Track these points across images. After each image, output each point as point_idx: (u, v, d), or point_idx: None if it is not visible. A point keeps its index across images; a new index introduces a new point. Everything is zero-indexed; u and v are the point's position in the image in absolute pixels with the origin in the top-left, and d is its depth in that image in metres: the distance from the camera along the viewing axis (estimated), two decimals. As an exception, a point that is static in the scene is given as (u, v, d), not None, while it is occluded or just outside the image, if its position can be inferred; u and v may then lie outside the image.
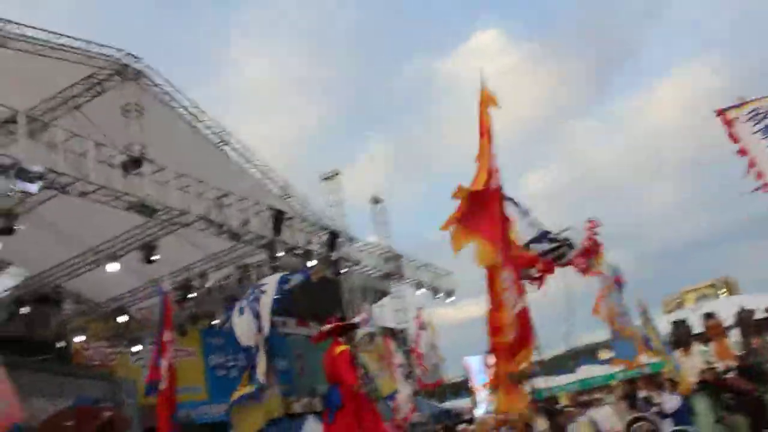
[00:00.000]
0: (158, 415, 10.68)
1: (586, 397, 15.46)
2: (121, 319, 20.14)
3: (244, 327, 11.04)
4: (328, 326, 7.49)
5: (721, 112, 7.14)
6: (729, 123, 7.23)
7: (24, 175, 11.28)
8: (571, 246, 8.38)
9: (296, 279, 11.66)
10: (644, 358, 13.31)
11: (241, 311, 10.91)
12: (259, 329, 10.82)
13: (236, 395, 11.10)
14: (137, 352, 22.28)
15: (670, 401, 10.95)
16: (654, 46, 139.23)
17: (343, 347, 7.11)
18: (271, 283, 11.37)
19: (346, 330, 7.44)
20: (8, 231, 12.67)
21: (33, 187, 11.88)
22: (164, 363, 10.20)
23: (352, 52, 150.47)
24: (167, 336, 10.81)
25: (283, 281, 10.58)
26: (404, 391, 14.07)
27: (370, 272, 20.99)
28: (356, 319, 8.14)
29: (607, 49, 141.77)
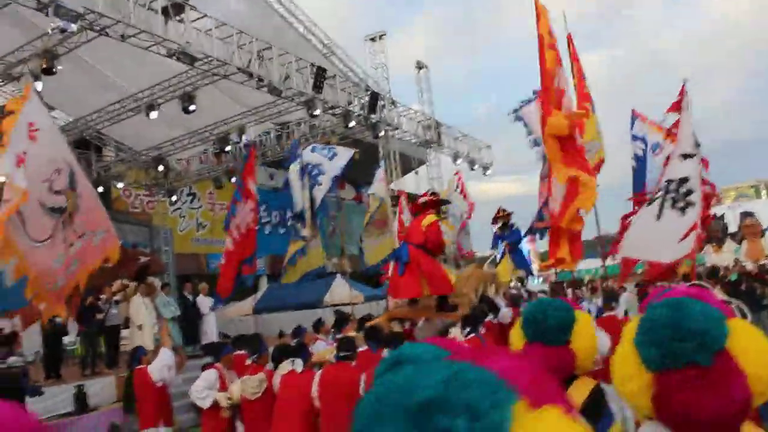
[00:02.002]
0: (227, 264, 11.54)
1: (610, 282, 15.53)
2: (160, 168, 20.37)
3: (297, 188, 11.49)
4: (424, 199, 8.62)
5: None
6: None
7: (62, 12, 11.02)
8: None
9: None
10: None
11: (302, 173, 11.37)
12: (312, 197, 11.33)
13: (289, 254, 11.78)
14: (174, 202, 22.76)
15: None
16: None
17: (433, 217, 8.25)
18: (342, 156, 11.83)
19: (438, 204, 8.75)
20: (49, 71, 12.59)
21: (72, 26, 11.66)
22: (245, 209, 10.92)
23: None
24: (251, 185, 11.52)
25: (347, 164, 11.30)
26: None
27: (409, 138, 20.72)
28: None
29: None
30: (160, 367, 7.04)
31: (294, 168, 12.67)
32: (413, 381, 0.78)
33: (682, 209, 8.07)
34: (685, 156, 8.19)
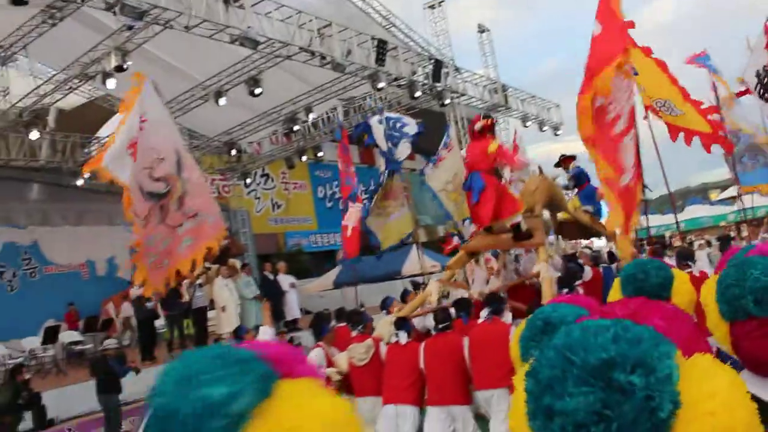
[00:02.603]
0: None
1: (692, 237, 15.11)
2: (233, 152, 20.85)
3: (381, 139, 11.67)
4: (480, 123, 8.56)
5: None
6: None
7: (128, 10, 11.38)
8: None
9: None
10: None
11: (389, 137, 11.51)
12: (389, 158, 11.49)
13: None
14: (249, 184, 23.28)
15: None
16: None
17: (497, 142, 8.55)
18: (411, 125, 11.88)
19: (494, 126, 8.90)
20: (120, 68, 13.03)
21: (138, 23, 12.04)
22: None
23: None
24: (348, 169, 12.28)
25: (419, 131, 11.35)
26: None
27: (476, 104, 20.51)
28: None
29: None
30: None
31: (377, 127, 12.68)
32: (587, 342, 0.88)
33: None
34: None
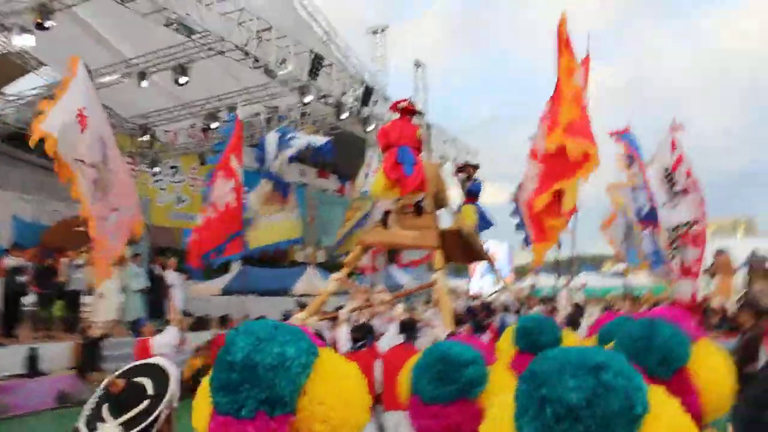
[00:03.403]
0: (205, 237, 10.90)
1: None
2: (146, 137, 20.12)
3: (272, 150, 11.23)
4: (403, 103, 9.45)
5: None
6: None
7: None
8: None
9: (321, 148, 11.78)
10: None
11: (280, 142, 11.11)
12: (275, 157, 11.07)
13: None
14: (157, 174, 22.49)
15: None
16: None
17: (420, 132, 9.44)
18: (309, 139, 11.57)
19: (415, 113, 9.65)
20: (41, 26, 12.35)
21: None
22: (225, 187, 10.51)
23: None
24: (234, 162, 10.96)
25: (325, 149, 11.11)
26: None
27: (399, 137, 20.59)
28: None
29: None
30: (164, 343, 7.35)
31: (273, 135, 12.31)
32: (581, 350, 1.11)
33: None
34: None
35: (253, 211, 11.88)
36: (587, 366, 1.03)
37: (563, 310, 10.67)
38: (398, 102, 9.72)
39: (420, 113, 10.20)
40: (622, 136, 12.55)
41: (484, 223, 12.53)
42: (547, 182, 8.50)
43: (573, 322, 9.06)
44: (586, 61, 9.23)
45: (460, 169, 12.81)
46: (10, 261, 11.95)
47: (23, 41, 13.18)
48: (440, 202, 10.52)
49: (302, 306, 12.00)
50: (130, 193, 8.64)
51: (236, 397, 1.28)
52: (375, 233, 9.83)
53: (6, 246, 14.03)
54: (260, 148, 11.59)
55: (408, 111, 9.51)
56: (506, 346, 2.94)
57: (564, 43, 8.86)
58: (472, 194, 12.49)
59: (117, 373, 1.61)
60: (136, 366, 1.66)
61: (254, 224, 11.91)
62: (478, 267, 25.68)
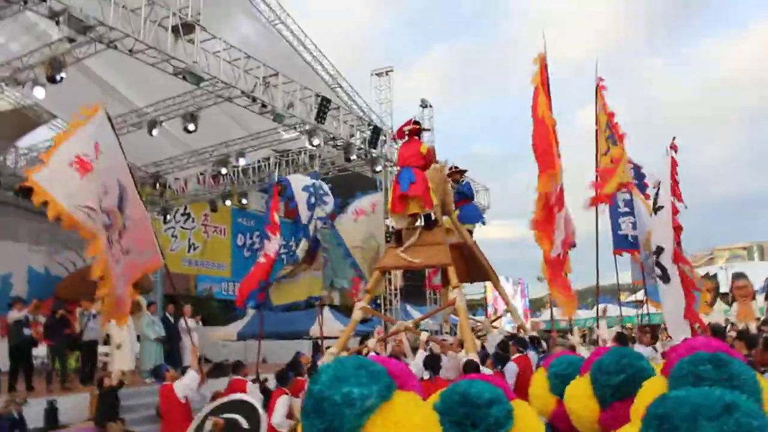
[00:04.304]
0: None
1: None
2: (157, 186, 20.26)
3: (305, 208, 11.68)
4: (408, 127, 9.90)
5: None
6: None
7: (74, 22, 11.04)
8: None
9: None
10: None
11: (310, 202, 11.56)
12: (310, 220, 11.45)
13: (278, 275, 11.85)
14: (168, 221, 22.59)
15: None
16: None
17: (427, 145, 9.92)
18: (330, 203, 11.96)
19: (421, 131, 10.12)
20: (53, 80, 12.55)
21: (81, 37, 11.68)
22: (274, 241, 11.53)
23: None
24: (276, 218, 11.92)
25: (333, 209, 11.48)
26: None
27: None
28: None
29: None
30: (185, 385, 7.64)
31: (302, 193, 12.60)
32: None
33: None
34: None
35: (288, 270, 12.24)
36: (719, 407, 1.08)
37: (604, 343, 10.44)
38: (402, 126, 10.08)
39: (425, 129, 10.78)
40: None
41: (474, 217, 12.60)
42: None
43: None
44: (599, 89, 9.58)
45: (449, 176, 12.85)
46: (14, 314, 11.91)
47: (36, 94, 13.38)
48: (445, 208, 10.62)
49: (315, 347, 12.24)
50: (148, 238, 8.68)
51: (307, 421, 1.54)
52: (389, 257, 9.95)
53: (22, 297, 14.04)
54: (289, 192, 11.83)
55: (413, 132, 9.90)
56: (541, 393, 2.90)
57: (543, 84, 9.17)
58: (465, 196, 12.50)
59: (208, 410, 1.82)
60: (223, 403, 1.85)
61: (279, 282, 12.19)
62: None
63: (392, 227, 10.61)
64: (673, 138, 8.55)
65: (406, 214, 9.78)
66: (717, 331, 12.17)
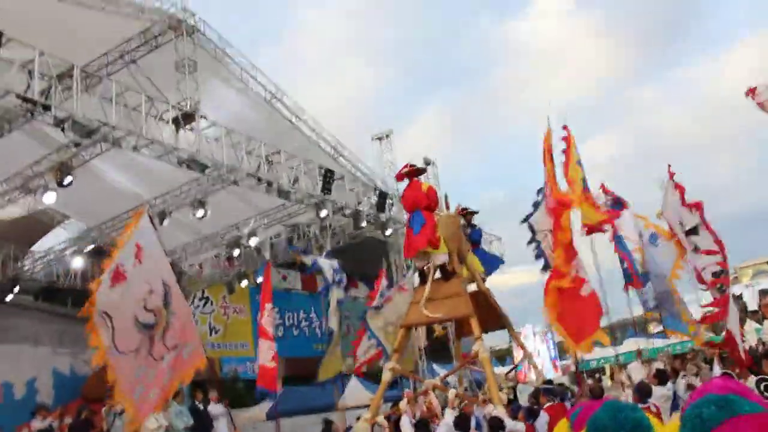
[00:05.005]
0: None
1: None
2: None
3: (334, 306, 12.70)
4: (406, 169, 10.07)
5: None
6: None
7: (78, 127, 11.39)
8: None
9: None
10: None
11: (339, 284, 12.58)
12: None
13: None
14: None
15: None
16: (721, 13, 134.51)
17: (428, 184, 10.24)
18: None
19: (420, 172, 10.21)
20: (62, 184, 12.87)
21: (87, 141, 12.04)
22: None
23: (418, 14, 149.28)
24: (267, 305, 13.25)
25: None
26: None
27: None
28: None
29: (672, 13, 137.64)
30: None
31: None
32: None
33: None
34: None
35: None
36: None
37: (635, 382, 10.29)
38: (401, 170, 10.23)
39: (422, 170, 10.62)
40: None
41: (493, 264, 12.57)
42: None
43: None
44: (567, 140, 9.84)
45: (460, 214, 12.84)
46: (37, 424, 11.89)
47: (46, 200, 13.68)
48: (461, 254, 10.54)
49: (327, 424, 12.81)
50: (192, 331, 9.10)
51: None
52: (412, 314, 9.92)
53: (47, 402, 14.05)
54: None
55: (411, 173, 10.03)
56: None
57: (548, 154, 9.49)
58: (473, 241, 12.47)
59: None
60: None
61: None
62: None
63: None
64: (669, 166, 8.60)
65: (420, 254, 9.84)
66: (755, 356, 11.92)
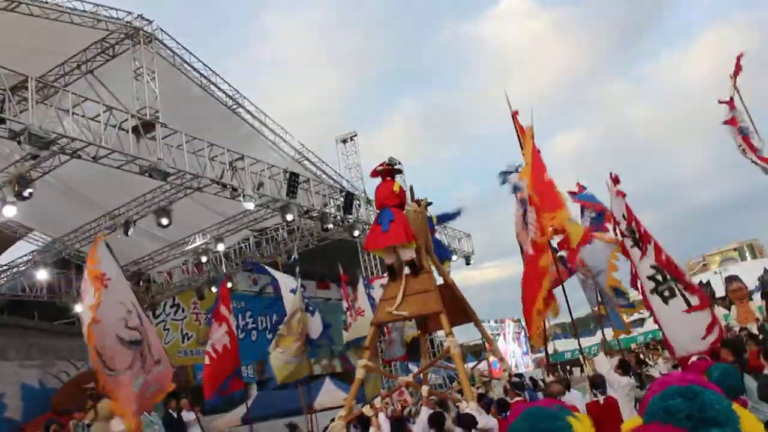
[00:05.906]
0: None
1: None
2: (141, 283, 20.32)
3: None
4: (380, 167, 10.19)
5: None
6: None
7: (35, 139, 11.26)
8: None
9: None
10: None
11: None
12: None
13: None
14: (158, 315, 22.56)
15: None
16: (683, 6, 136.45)
17: (399, 183, 10.24)
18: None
19: (394, 172, 10.40)
20: (22, 196, 12.71)
21: (44, 152, 11.90)
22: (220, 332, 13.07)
23: (380, 22, 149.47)
24: (223, 310, 13.35)
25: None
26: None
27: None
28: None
29: (635, 10, 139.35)
30: None
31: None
32: None
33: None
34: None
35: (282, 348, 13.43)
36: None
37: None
38: (376, 167, 10.34)
39: (399, 171, 10.89)
40: (579, 195, 12.85)
41: (442, 255, 12.70)
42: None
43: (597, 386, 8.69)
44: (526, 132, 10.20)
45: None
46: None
47: (6, 213, 13.51)
48: (428, 249, 10.58)
49: (292, 428, 13.84)
50: (160, 349, 9.45)
51: None
52: (381, 312, 9.95)
53: (18, 417, 13.90)
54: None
55: (386, 172, 10.21)
56: None
57: (523, 134, 9.84)
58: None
59: None
60: None
61: (287, 363, 13.46)
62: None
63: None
64: (610, 173, 8.49)
65: (384, 248, 10.00)
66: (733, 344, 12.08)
